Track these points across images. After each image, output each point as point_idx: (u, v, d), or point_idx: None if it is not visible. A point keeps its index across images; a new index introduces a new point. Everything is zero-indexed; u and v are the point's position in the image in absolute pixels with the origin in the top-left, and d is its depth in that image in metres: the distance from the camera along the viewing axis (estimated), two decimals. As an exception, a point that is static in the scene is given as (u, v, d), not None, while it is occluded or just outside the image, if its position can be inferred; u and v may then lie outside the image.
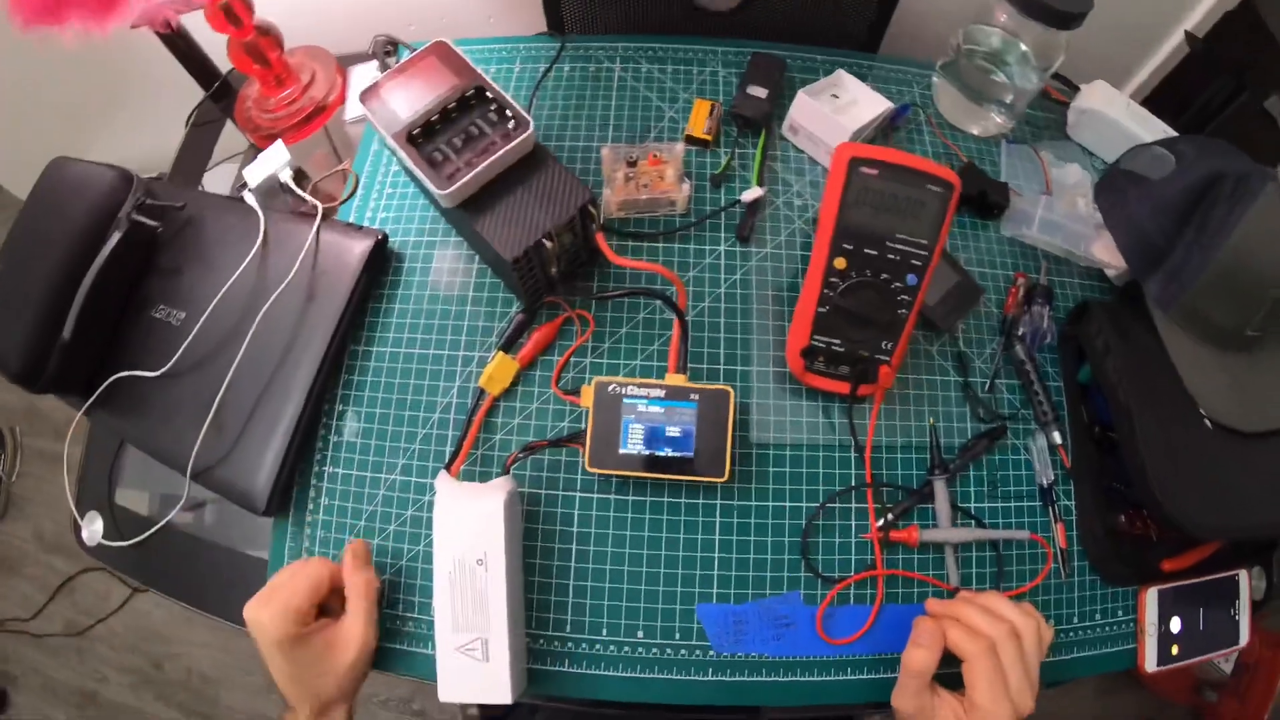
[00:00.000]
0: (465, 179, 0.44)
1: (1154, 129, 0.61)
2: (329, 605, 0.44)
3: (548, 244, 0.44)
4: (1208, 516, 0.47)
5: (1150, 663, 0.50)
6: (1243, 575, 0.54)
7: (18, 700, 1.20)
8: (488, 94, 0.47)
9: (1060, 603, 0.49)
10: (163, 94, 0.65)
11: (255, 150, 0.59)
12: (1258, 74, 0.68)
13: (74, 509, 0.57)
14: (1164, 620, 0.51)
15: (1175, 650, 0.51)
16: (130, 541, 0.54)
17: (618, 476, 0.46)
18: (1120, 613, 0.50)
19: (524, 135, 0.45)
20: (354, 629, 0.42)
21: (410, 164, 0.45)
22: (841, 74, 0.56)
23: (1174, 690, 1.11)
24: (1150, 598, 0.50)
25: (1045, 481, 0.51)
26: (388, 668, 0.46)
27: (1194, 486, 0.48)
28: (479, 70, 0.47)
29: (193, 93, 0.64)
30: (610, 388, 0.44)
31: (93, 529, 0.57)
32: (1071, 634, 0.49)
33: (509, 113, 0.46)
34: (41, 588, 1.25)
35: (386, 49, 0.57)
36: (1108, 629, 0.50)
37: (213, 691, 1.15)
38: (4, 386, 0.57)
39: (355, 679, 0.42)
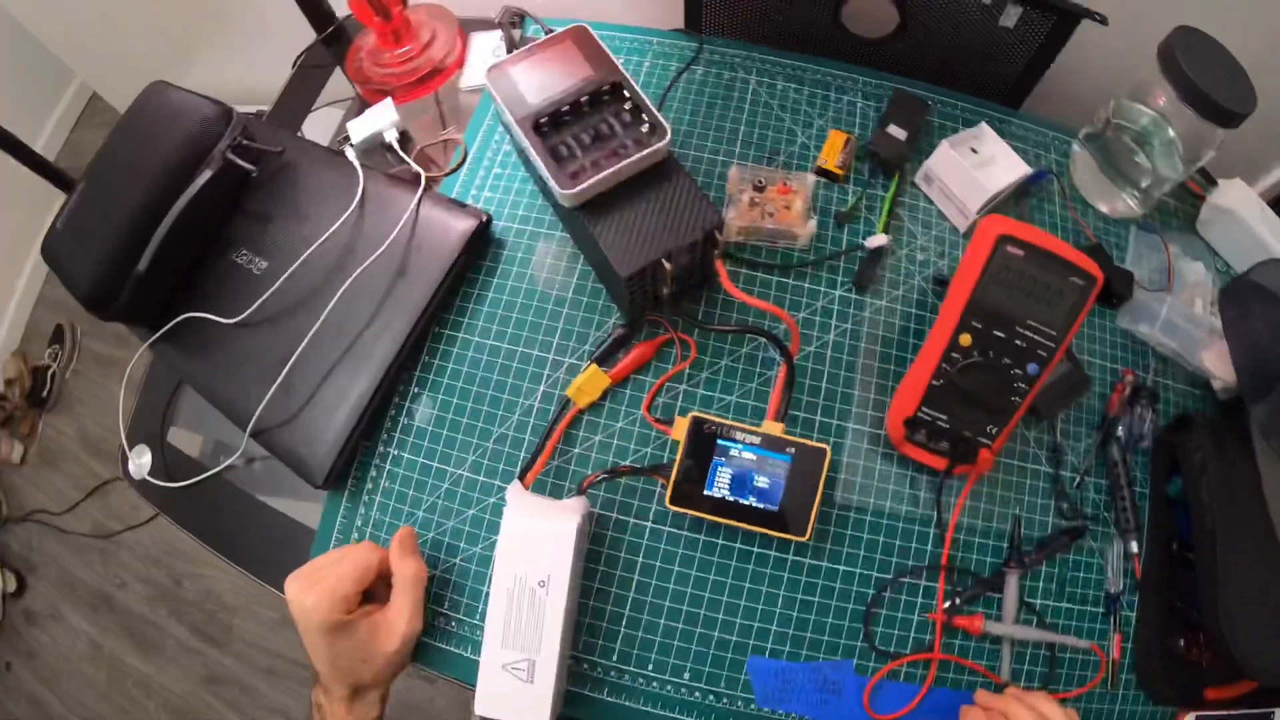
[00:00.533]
0: (590, 181, 0.42)
1: (1288, 242, 0.59)
2: (373, 590, 0.43)
3: (666, 264, 0.42)
4: (1271, 659, 0.46)
5: None
6: (1278, 713, 0.53)
7: (35, 587, 1.21)
8: (625, 92, 0.44)
9: (1101, 713, 0.48)
10: (272, 29, 0.62)
11: (361, 103, 0.57)
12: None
13: (124, 439, 0.56)
14: (1195, 745, 0.50)
15: (1199, 776, 0.50)
16: (177, 484, 0.53)
17: (695, 517, 0.44)
18: (1156, 730, 0.49)
19: (659, 144, 0.43)
20: (399, 618, 0.41)
21: (533, 155, 0.43)
22: (984, 128, 0.53)
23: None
24: None
25: (1113, 590, 0.49)
26: (425, 664, 0.45)
27: (1264, 626, 0.46)
28: (618, 64, 0.45)
29: (303, 33, 0.62)
30: (706, 426, 0.42)
31: (140, 462, 0.56)
32: (1107, 744, 0.48)
33: (645, 116, 0.43)
34: (77, 486, 1.26)
35: (513, 20, 0.54)
36: (1140, 745, 0.48)
37: (226, 617, 1.16)
38: None
39: (395, 667, 0.42)
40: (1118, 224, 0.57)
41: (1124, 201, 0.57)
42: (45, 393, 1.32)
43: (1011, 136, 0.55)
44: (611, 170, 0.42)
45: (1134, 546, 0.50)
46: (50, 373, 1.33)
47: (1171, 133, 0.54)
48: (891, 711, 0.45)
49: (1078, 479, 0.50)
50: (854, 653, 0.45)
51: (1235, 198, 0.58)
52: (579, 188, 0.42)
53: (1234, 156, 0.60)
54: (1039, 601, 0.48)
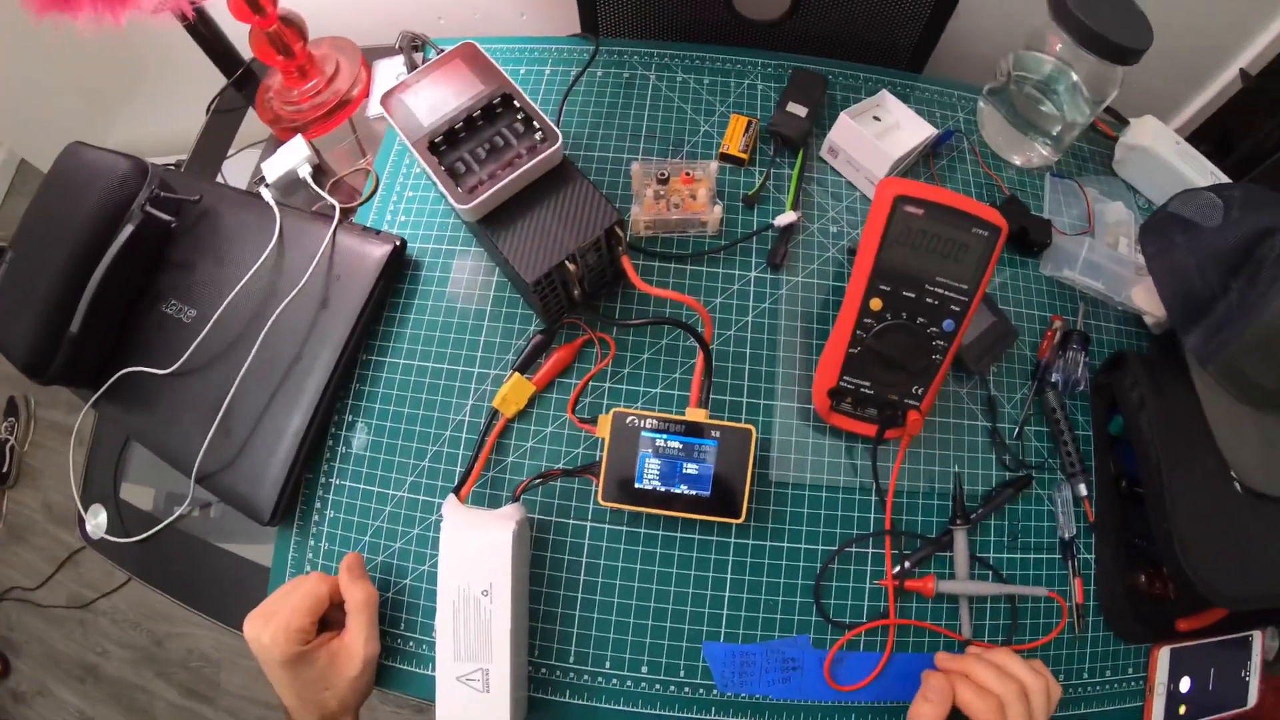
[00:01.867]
0: (488, 193, 0.42)
1: (1203, 171, 0.59)
2: (329, 618, 0.43)
3: (570, 266, 0.43)
4: (1231, 584, 0.46)
5: None
6: (1256, 635, 0.53)
7: (19, 667, 1.21)
8: (515, 102, 0.45)
9: (1072, 658, 0.48)
10: (186, 78, 0.63)
11: (276, 142, 0.57)
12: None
13: (78, 502, 0.57)
14: (1174, 680, 0.50)
15: (1183, 710, 0.50)
16: (133, 539, 0.53)
17: (631, 511, 0.45)
18: (1130, 670, 0.49)
19: (551, 149, 0.43)
20: (355, 642, 0.41)
21: (431, 174, 0.44)
22: (885, 95, 0.54)
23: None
24: (1162, 657, 0.49)
25: (1067, 535, 0.49)
26: (388, 686, 0.46)
27: (1219, 552, 0.46)
28: (507, 76, 0.45)
29: (215, 78, 0.62)
30: (629, 420, 0.43)
31: (96, 522, 0.56)
32: (1080, 690, 0.48)
33: (536, 124, 0.44)
34: (48, 559, 1.26)
35: (414, 44, 0.55)
36: (1117, 686, 0.49)
37: (212, 672, 1.16)
38: None
39: (359, 691, 0.42)
40: (1034, 175, 0.58)
41: (1036, 151, 0.57)
42: (5, 468, 1.32)
43: (916, 101, 0.55)
44: (508, 180, 0.43)
45: (1082, 489, 0.50)
46: (9, 447, 1.33)
47: (1075, 77, 0.54)
48: (855, 682, 0.45)
49: (1016, 429, 0.51)
50: (809, 628, 0.45)
51: (1148, 134, 0.59)
52: (476, 201, 0.42)
53: (1145, 93, 0.61)
54: (992, 555, 0.48)
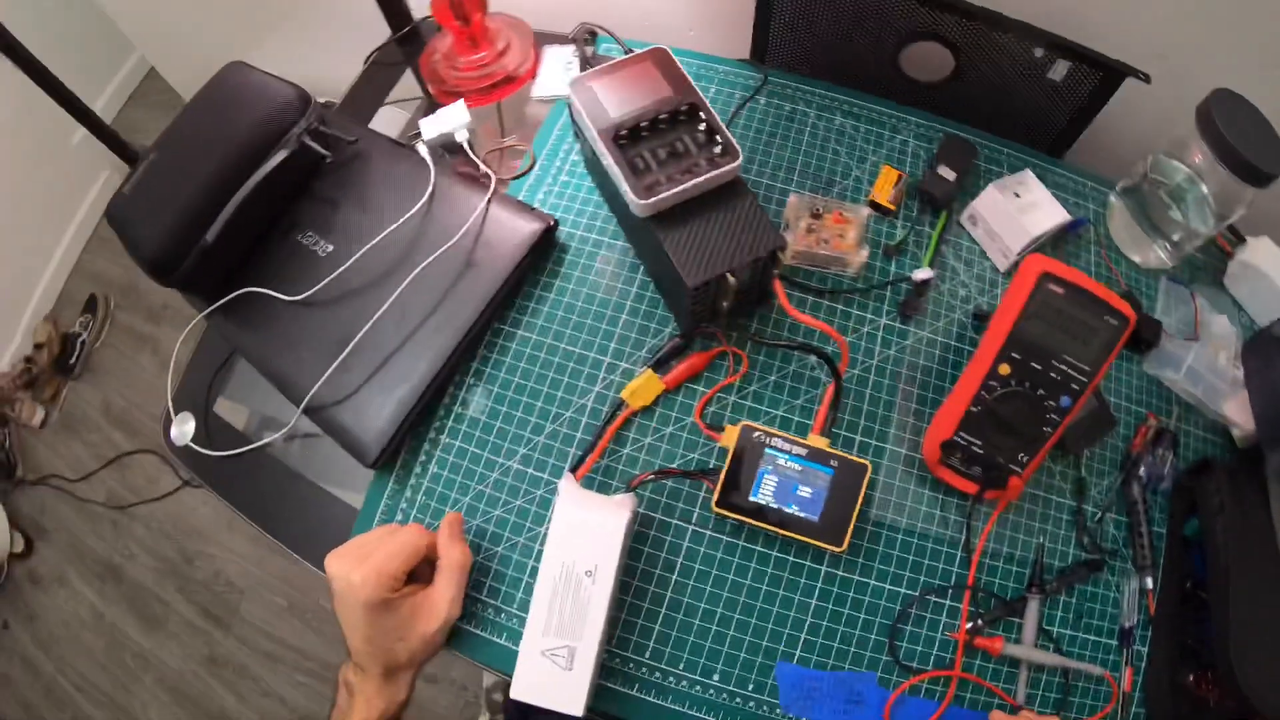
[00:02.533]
0: (665, 194, 0.44)
1: (1308, 300, 0.61)
2: (416, 572, 0.44)
3: (730, 279, 0.44)
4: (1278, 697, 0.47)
5: None
6: None
7: (43, 551, 1.21)
8: (701, 114, 0.47)
9: None
10: (343, 23, 0.65)
11: (431, 104, 0.59)
12: None
13: (170, 403, 0.57)
14: (1198, 783, 0.51)
15: (1201, 814, 0.51)
16: (221, 453, 0.54)
17: (738, 521, 0.46)
18: (1161, 765, 0.50)
19: (731, 164, 0.45)
20: (442, 601, 0.42)
21: (611, 164, 0.45)
22: (1028, 174, 0.56)
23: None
24: None
25: (1128, 623, 0.51)
26: (463, 650, 0.46)
27: (1272, 663, 0.48)
28: (696, 87, 0.47)
29: (374, 30, 0.64)
30: (756, 434, 0.44)
31: (184, 429, 0.57)
32: (1112, 777, 0.49)
33: (719, 138, 0.46)
34: (95, 455, 1.26)
35: (587, 36, 0.56)
36: (1147, 781, 0.50)
37: (234, 599, 1.16)
38: (108, 258, 0.57)
39: (431, 649, 0.42)
40: (1148, 275, 0.60)
41: (1155, 253, 0.59)
42: (73, 360, 1.32)
43: (1053, 184, 0.57)
44: (686, 186, 0.44)
45: (1149, 583, 0.52)
46: (80, 341, 1.33)
47: (1205, 189, 0.56)
48: (911, 726, 0.46)
49: (1099, 514, 0.52)
50: (878, 665, 0.47)
51: (1263, 255, 0.61)
52: (654, 199, 0.44)
53: (1264, 216, 0.63)
54: (1056, 629, 0.49)
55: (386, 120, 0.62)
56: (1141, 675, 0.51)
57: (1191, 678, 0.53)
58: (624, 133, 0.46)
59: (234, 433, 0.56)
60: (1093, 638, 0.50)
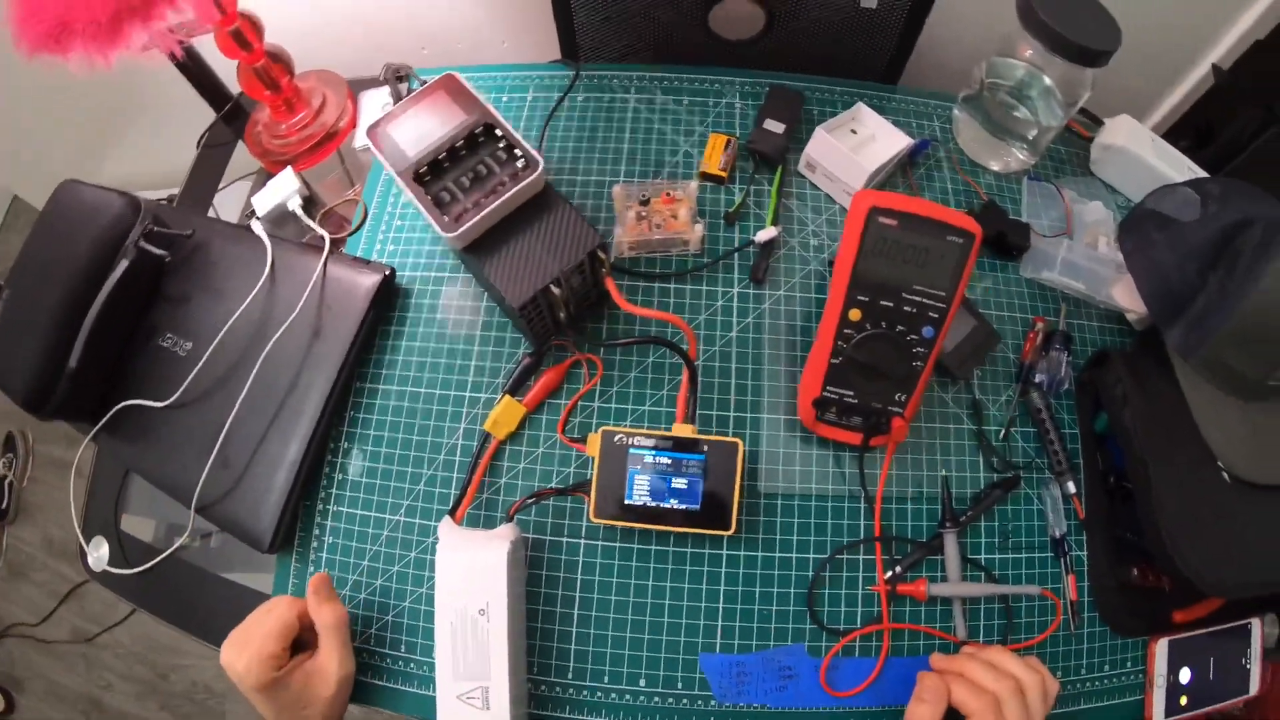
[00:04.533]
0: (472, 221, 0.43)
1: (1180, 166, 0.60)
2: (303, 639, 0.44)
3: (555, 289, 0.43)
4: (1221, 573, 0.46)
5: (1158, 714, 0.49)
6: (1255, 623, 0.54)
7: (23, 704, 1.21)
8: (497, 131, 0.46)
9: (1069, 654, 0.48)
10: (176, 113, 0.65)
11: (266, 175, 0.59)
12: (1289, 106, 0.66)
13: (80, 535, 0.57)
14: (1173, 671, 0.50)
15: (1184, 701, 0.50)
16: (135, 570, 0.54)
17: (622, 526, 0.45)
18: (1129, 664, 0.49)
19: (533, 176, 0.44)
20: (330, 663, 0.42)
21: (417, 204, 0.45)
22: (861, 107, 0.55)
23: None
24: (1160, 649, 0.50)
25: (1058, 533, 0.50)
26: (389, 707, 0.46)
27: (1208, 542, 0.47)
28: (488, 105, 0.47)
29: (206, 113, 0.64)
30: (617, 438, 0.44)
31: (99, 554, 0.57)
32: (1080, 685, 0.48)
33: (518, 151, 0.45)
34: (50, 594, 1.26)
35: (398, 75, 0.56)
36: (1116, 680, 0.49)
37: (217, 704, 1.16)
38: None
39: (336, 709, 0.43)
40: (1011, 180, 0.59)
41: (1014, 156, 0.58)
42: (4, 504, 1.32)
43: (893, 112, 0.56)
44: (491, 208, 0.44)
45: (1071, 487, 0.51)
46: (7, 483, 1.33)
47: (1047, 81, 0.55)
48: (852, 688, 0.45)
49: (1003, 431, 0.51)
50: (804, 636, 0.46)
51: (1123, 133, 0.59)
52: (461, 229, 0.43)
53: (1120, 93, 0.61)
54: (984, 556, 0.49)
55: (231, 199, 0.62)
56: (1085, 579, 0.50)
57: (1135, 571, 0.52)
58: (424, 169, 0.45)
59: (145, 546, 0.56)
60: (1025, 555, 0.50)
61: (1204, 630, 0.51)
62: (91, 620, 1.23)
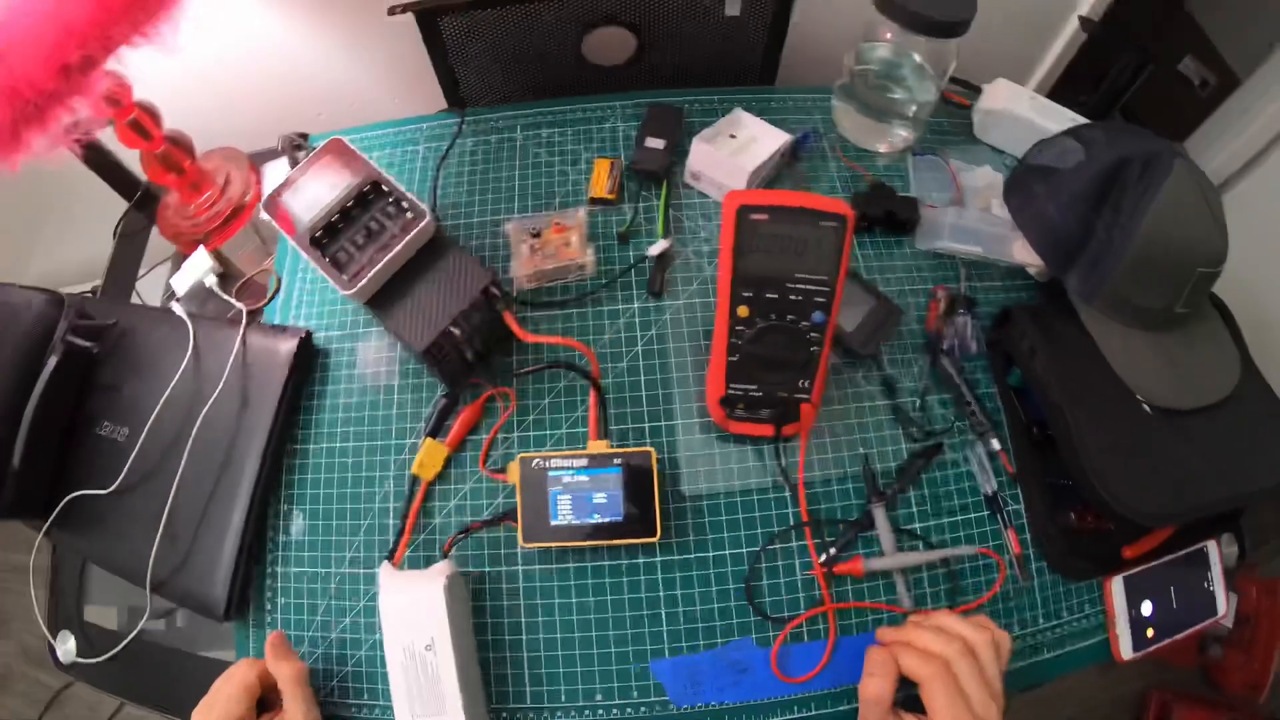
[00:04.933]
0: (369, 276, 0.45)
1: (1062, 119, 0.62)
2: (269, 698, 0.45)
3: (455, 330, 0.45)
4: (1154, 504, 0.47)
5: (1126, 650, 0.50)
6: (1211, 546, 0.54)
7: None
8: (384, 187, 0.48)
9: (1023, 606, 0.49)
10: (92, 205, 0.66)
11: (182, 256, 0.60)
12: (1164, 44, 0.68)
13: (46, 631, 0.58)
14: (1133, 606, 0.51)
15: (1150, 633, 0.51)
16: (102, 658, 0.55)
17: (553, 548, 0.47)
18: (1086, 606, 0.50)
19: (421, 225, 0.46)
20: (295, 717, 0.43)
21: (316, 266, 0.46)
22: (738, 112, 0.57)
23: (1176, 653, 1.11)
24: (1116, 586, 0.50)
25: (990, 490, 0.51)
26: (359, 757, 0.47)
27: (1136, 475, 0.48)
28: (373, 164, 0.48)
29: (118, 202, 0.66)
30: (534, 463, 0.45)
31: (66, 648, 0.58)
32: (1041, 635, 0.49)
33: (405, 204, 0.47)
34: (31, 703, 1.24)
35: (295, 144, 0.58)
36: (1077, 624, 0.50)
37: None
38: None
39: None
40: (901, 160, 0.60)
41: (897, 135, 0.60)
42: None
43: (774, 113, 0.58)
44: (385, 261, 0.45)
45: (995, 444, 0.52)
46: None
47: (916, 57, 0.57)
48: (805, 673, 0.46)
49: (918, 402, 0.53)
50: (750, 629, 0.47)
51: (1001, 97, 0.62)
52: (359, 285, 0.45)
53: (998, 58, 0.64)
54: (919, 525, 0.50)
55: (152, 284, 0.63)
56: (1026, 532, 0.51)
57: (1073, 515, 0.53)
58: (319, 232, 0.47)
59: (110, 633, 0.57)
60: (962, 517, 0.51)
61: (1158, 562, 0.52)
62: None
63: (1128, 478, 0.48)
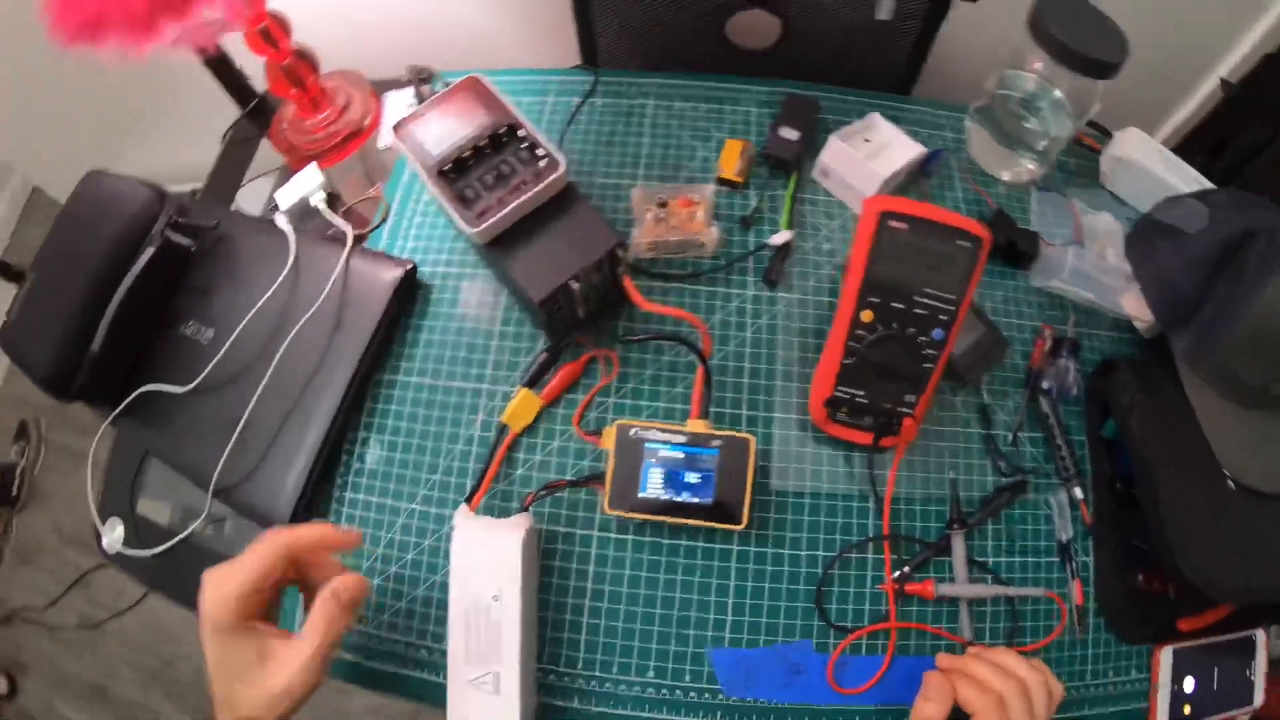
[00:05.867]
0: (495, 218, 0.44)
1: (1188, 178, 0.61)
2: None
3: (574, 285, 0.44)
4: (1226, 579, 0.46)
5: None
6: (1260, 634, 0.54)
7: (27, 688, 1.21)
8: (520, 132, 0.47)
9: (1074, 659, 0.49)
10: (200, 108, 0.66)
11: (289, 171, 0.60)
12: (1298, 120, 0.67)
13: (95, 516, 0.58)
14: (1177, 680, 0.50)
15: (1187, 710, 0.51)
16: (150, 551, 0.55)
17: (636, 519, 0.46)
18: (1133, 670, 0.50)
19: (555, 175, 0.45)
20: (295, 657, 0.35)
21: (441, 200, 0.46)
22: (874, 117, 0.56)
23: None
24: (1165, 657, 0.50)
25: (1064, 537, 0.50)
26: (398, 692, 0.47)
27: (1214, 548, 0.47)
28: (511, 107, 0.48)
29: (229, 109, 0.65)
30: (632, 431, 0.44)
31: (113, 536, 0.58)
32: (1084, 691, 0.48)
33: (540, 151, 0.46)
34: (58, 580, 1.26)
35: (421, 77, 0.57)
36: (1120, 687, 0.49)
37: None
38: (29, 382, 0.58)
39: (281, 709, 0.35)
40: (1022, 190, 0.60)
41: (1024, 167, 0.59)
42: (15, 491, 1.33)
43: (906, 122, 0.57)
44: (514, 205, 0.45)
45: (1078, 493, 0.51)
46: (19, 470, 1.34)
47: (1056, 93, 0.56)
48: (858, 685, 0.46)
49: (1011, 436, 0.52)
50: (812, 632, 0.46)
51: (1131, 146, 0.60)
52: (486, 225, 0.44)
53: (1130, 105, 0.62)
54: (991, 559, 0.49)
55: (252, 194, 0.63)
56: (1091, 585, 0.50)
57: (1141, 576, 0.52)
58: (449, 166, 0.46)
59: (160, 529, 0.57)
60: (1032, 559, 0.50)
61: (1209, 640, 0.51)
62: (99, 607, 1.23)
63: (1206, 548, 0.47)
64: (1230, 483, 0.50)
